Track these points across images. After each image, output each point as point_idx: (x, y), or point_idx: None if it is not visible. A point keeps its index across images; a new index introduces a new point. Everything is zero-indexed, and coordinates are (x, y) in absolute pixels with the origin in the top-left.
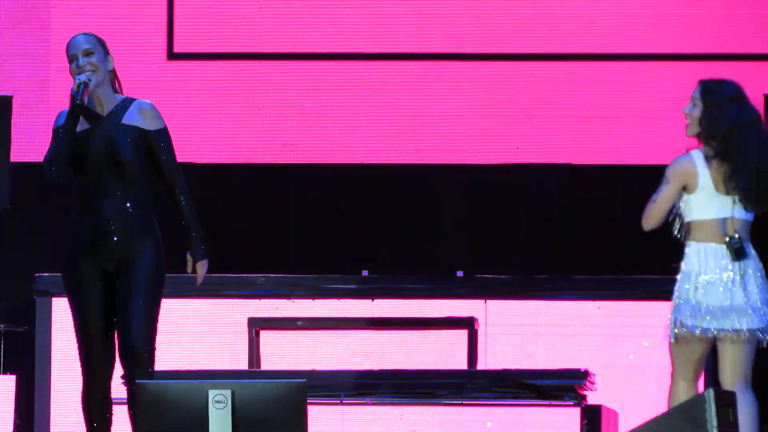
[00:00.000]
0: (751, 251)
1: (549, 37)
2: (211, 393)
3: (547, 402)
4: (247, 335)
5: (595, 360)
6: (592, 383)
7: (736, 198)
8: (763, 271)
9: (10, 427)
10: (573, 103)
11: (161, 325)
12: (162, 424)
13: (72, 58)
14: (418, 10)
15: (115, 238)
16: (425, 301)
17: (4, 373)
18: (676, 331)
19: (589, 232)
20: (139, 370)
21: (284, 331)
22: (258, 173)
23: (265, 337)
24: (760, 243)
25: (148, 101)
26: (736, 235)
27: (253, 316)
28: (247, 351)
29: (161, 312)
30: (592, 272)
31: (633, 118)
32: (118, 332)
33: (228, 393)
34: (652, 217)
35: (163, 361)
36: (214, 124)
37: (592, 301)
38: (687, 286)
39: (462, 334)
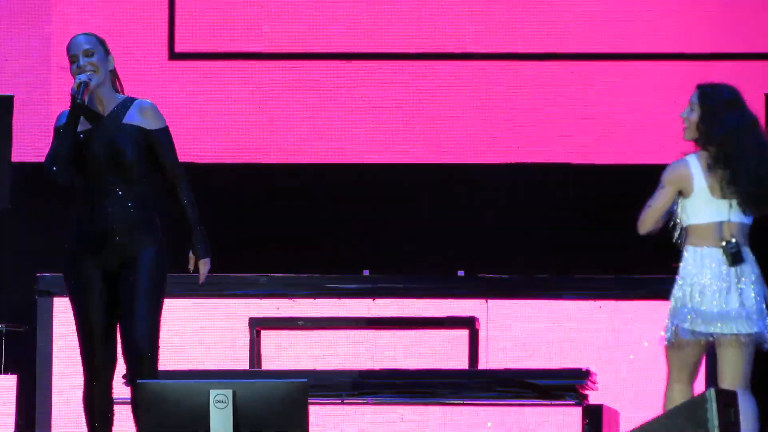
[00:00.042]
0: (749, 255)
1: (550, 37)
2: (213, 393)
3: (549, 402)
4: (248, 335)
5: (597, 359)
6: (594, 383)
7: (733, 202)
8: (761, 275)
9: (12, 427)
10: (574, 102)
11: (162, 325)
12: (163, 423)
13: (73, 59)
14: (419, 10)
15: (117, 238)
16: (426, 301)
17: (6, 373)
18: (671, 334)
19: (591, 231)
20: (143, 370)
21: (285, 331)
22: (259, 173)
23: (267, 336)
24: (760, 247)
25: (149, 101)
26: (733, 240)
27: (254, 315)
28: (249, 351)
29: (163, 312)
30: (594, 272)
31: (634, 117)
32: (121, 332)
33: (229, 393)
34: (647, 222)
35: (164, 361)
36: (214, 124)
37: (593, 301)
38: (683, 291)
39: (463, 334)
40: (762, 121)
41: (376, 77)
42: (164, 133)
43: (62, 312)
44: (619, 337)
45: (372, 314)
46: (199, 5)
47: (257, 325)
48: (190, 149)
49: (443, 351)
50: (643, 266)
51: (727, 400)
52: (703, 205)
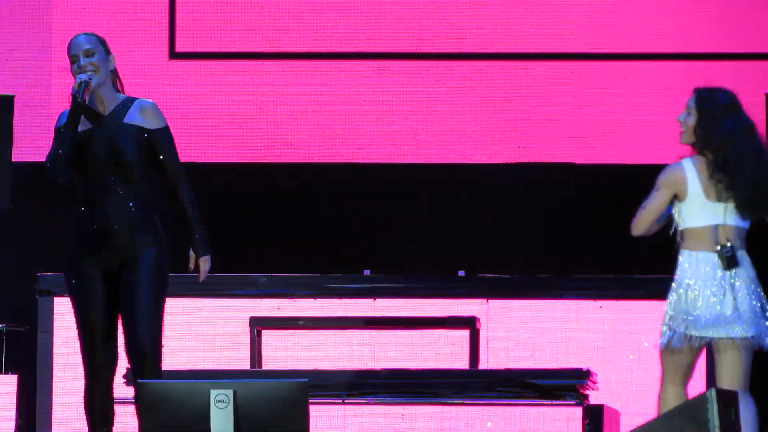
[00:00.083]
0: (745, 259)
1: (550, 37)
2: (213, 392)
3: (549, 401)
4: (248, 335)
5: (597, 359)
6: (594, 383)
7: (728, 205)
8: (757, 278)
9: (12, 426)
10: (575, 102)
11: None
12: (164, 423)
13: (73, 59)
14: (420, 10)
15: (118, 238)
16: (427, 301)
17: (6, 372)
18: (666, 338)
19: (591, 231)
20: (146, 369)
21: (286, 331)
22: (259, 172)
23: (267, 336)
24: (758, 250)
25: (150, 100)
26: (728, 244)
27: (254, 315)
28: (249, 350)
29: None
30: (594, 272)
31: (635, 117)
32: (124, 332)
33: (230, 392)
34: (641, 224)
35: (165, 361)
36: (215, 124)
37: (594, 301)
38: (678, 295)
39: (464, 334)
40: (762, 121)
41: (376, 77)
42: (165, 132)
43: (63, 312)
44: (619, 337)
45: (373, 314)
46: (200, 5)
47: (258, 324)
48: (191, 149)
49: (444, 351)
50: (644, 266)
51: (727, 400)
52: (698, 208)
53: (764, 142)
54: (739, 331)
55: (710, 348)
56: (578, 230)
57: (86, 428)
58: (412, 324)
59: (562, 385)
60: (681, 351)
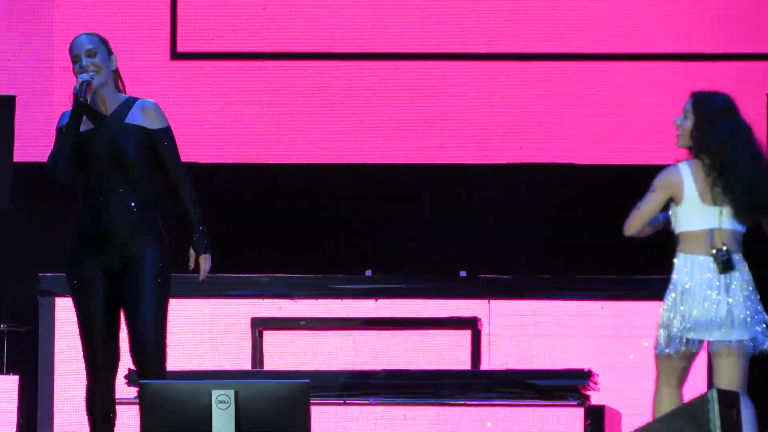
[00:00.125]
0: (740, 262)
1: (552, 37)
2: (215, 393)
3: (551, 402)
4: (250, 335)
5: (599, 360)
6: (596, 383)
7: (724, 209)
8: (752, 282)
9: (14, 427)
10: (576, 102)
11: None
12: (166, 424)
13: (75, 59)
14: (421, 10)
15: (119, 238)
16: (428, 301)
17: (7, 373)
18: (661, 340)
19: (593, 232)
20: (151, 369)
21: (287, 331)
22: (261, 173)
23: (269, 337)
24: (756, 254)
25: (152, 100)
26: (724, 248)
27: (256, 316)
28: (251, 351)
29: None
30: (596, 272)
31: (636, 117)
32: (128, 333)
33: (231, 393)
34: (634, 225)
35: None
36: (216, 124)
37: (595, 302)
38: (674, 297)
39: (465, 335)
40: (764, 122)
41: (377, 77)
42: (166, 132)
43: (64, 312)
44: (621, 338)
45: (374, 315)
46: (201, 5)
47: (259, 325)
48: (192, 149)
49: (445, 352)
50: (644, 267)
51: (728, 401)
52: (694, 212)
53: (761, 147)
54: (734, 334)
55: (707, 350)
56: (578, 230)
57: (87, 428)
58: (414, 324)
59: (563, 386)
60: (676, 354)
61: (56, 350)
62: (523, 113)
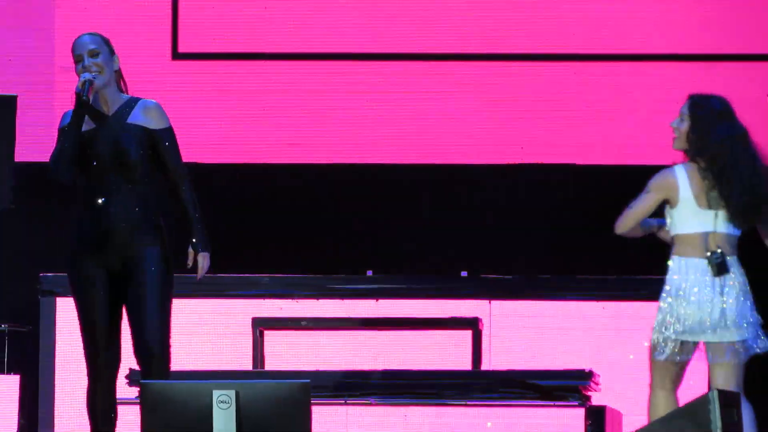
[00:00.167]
0: (735, 265)
1: (554, 38)
2: (216, 393)
3: (552, 402)
4: (251, 335)
5: (600, 360)
6: (597, 384)
7: (719, 212)
8: (746, 285)
9: (15, 427)
10: (577, 103)
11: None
12: (167, 424)
13: (78, 59)
14: (423, 11)
15: (121, 238)
16: (429, 302)
17: (8, 373)
18: (655, 342)
19: (593, 232)
20: (155, 370)
21: (288, 331)
22: (262, 173)
23: (270, 337)
24: (751, 257)
25: (154, 101)
26: (718, 250)
27: (257, 316)
28: (252, 351)
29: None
30: (597, 272)
31: (638, 118)
32: (132, 333)
33: (232, 393)
34: (626, 224)
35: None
36: (218, 124)
37: (596, 302)
38: (669, 300)
39: (466, 335)
40: (766, 123)
41: (380, 77)
42: (168, 133)
43: (65, 312)
44: (622, 338)
45: (375, 315)
46: (203, 5)
47: (260, 325)
48: (193, 149)
49: (446, 352)
50: (645, 267)
51: (729, 401)
52: (689, 215)
53: (758, 149)
54: (728, 336)
55: (692, 354)
56: (581, 231)
57: (88, 428)
58: (415, 325)
59: (564, 386)
60: (671, 356)
61: (57, 350)
62: (524, 114)
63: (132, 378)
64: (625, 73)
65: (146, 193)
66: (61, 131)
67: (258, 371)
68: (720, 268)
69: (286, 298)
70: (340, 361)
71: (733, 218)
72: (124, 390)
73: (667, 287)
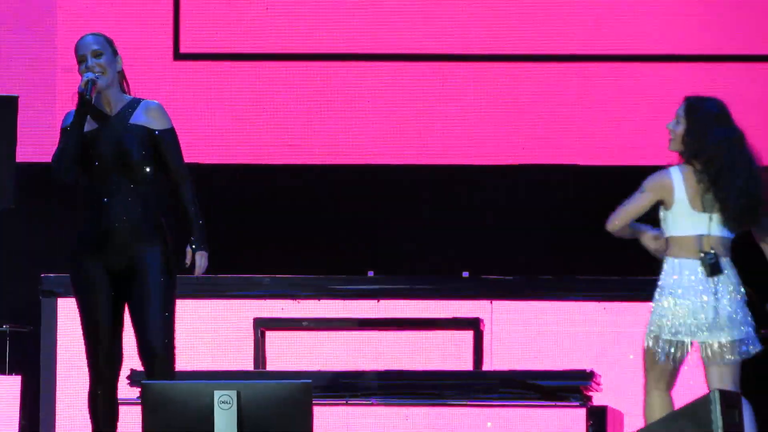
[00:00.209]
0: (728, 266)
1: (551, 39)
2: (217, 393)
3: (553, 403)
4: (252, 336)
5: (601, 361)
6: (598, 384)
7: (713, 215)
8: (740, 287)
9: (16, 427)
10: (578, 104)
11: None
12: (168, 424)
13: (81, 59)
14: (424, 11)
15: (123, 238)
16: (431, 302)
17: (10, 373)
18: (649, 343)
19: (594, 232)
20: (159, 370)
21: (290, 332)
22: (263, 173)
23: (271, 337)
24: (745, 259)
25: (156, 101)
26: (712, 251)
27: (258, 316)
28: (253, 351)
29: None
30: (596, 273)
31: (639, 119)
32: (136, 334)
33: (233, 393)
34: (618, 222)
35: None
36: (219, 125)
37: (597, 302)
38: (662, 301)
39: (467, 335)
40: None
41: (381, 78)
42: (170, 133)
43: (66, 312)
44: (623, 339)
45: (376, 315)
46: (204, 6)
47: (262, 325)
48: (194, 149)
49: (448, 352)
50: (645, 267)
51: (730, 402)
52: (684, 217)
53: (754, 153)
54: (721, 336)
55: (686, 354)
56: (582, 231)
57: (90, 429)
58: (416, 325)
59: (565, 387)
60: (665, 357)
61: (58, 351)
62: (524, 114)
63: (133, 378)
64: (625, 74)
65: (148, 193)
66: (64, 131)
67: (259, 372)
68: (713, 268)
69: (287, 299)
70: (342, 362)
71: (728, 222)
72: (126, 390)
73: (660, 287)
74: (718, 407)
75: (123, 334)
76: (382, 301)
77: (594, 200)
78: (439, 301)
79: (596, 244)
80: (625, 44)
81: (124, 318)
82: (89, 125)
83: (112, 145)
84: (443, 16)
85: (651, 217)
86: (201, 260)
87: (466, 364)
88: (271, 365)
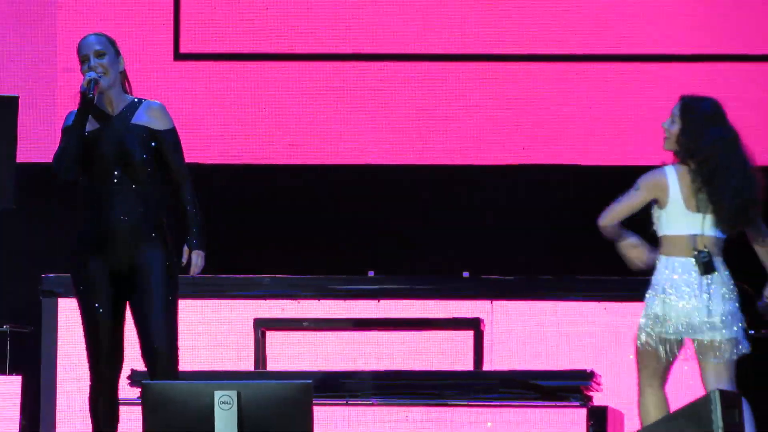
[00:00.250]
0: (720, 265)
1: (554, 39)
2: (217, 394)
3: (553, 403)
4: (252, 336)
5: (601, 361)
6: (598, 384)
7: (707, 216)
8: (732, 285)
9: (17, 428)
10: (579, 103)
11: None
12: (168, 424)
13: (83, 59)
14: (424, 11)
15: (124, 238)
16: (431, 302)
17: (10, 373)
18: (642, 341)
19: (595, 233)
20: (161, 371)
21: (290, 332)
22: (263, 173)
23: (271, 337)
24: (741, 260)
25: (158, 101)
26: (705, 249)
27: (258, 316)
28: (253, 352)
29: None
30: (596, 272)
31: (639, 119)
32: (138, 335)
33: (234, 394)
34: (611, 218)
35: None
36: (220, 125)
37: (598, 302)
38: (655, 299)
39: (468, 335)
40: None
41: (382, 78)
42: (171, 133)
43: (67, 313)
44: (623, 339)
45: (377, 315)
46: (205, 6)
47: (262, 326)
48: (194, 150)
49: (448, 352)
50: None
51: (731, 402)
52: (678, 217)
53: (748, 153)
54: (715, 335)
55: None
56: (583, 231)
57: (90, 429)
58: (416, 325)
59: (566, 387)
60: (657, 355)
61: (59, 351)
62: (527, 114)
63: (134, 378)
64: (625, 74)
65: (149, 193)
66: (65, 130)
67: (260, 372)
68: (707, 266)
69: (288, 299)
70: (342, 362)
71: (722, 222)
72: (126, 390)
73: (652, 286)
74: (719, 407)
75: (124, 335)
76: (382, 301)
77: (594, 200)
78: (439, 301)
79: (596, 244)
80: (625, 44)
81: (125, 318)
82: (91, 125)
83: (113, 145)
84: (443, 17)
85: (642, 216)
86: (197, 259)
87: (467, 364)
88: (272, 365)
